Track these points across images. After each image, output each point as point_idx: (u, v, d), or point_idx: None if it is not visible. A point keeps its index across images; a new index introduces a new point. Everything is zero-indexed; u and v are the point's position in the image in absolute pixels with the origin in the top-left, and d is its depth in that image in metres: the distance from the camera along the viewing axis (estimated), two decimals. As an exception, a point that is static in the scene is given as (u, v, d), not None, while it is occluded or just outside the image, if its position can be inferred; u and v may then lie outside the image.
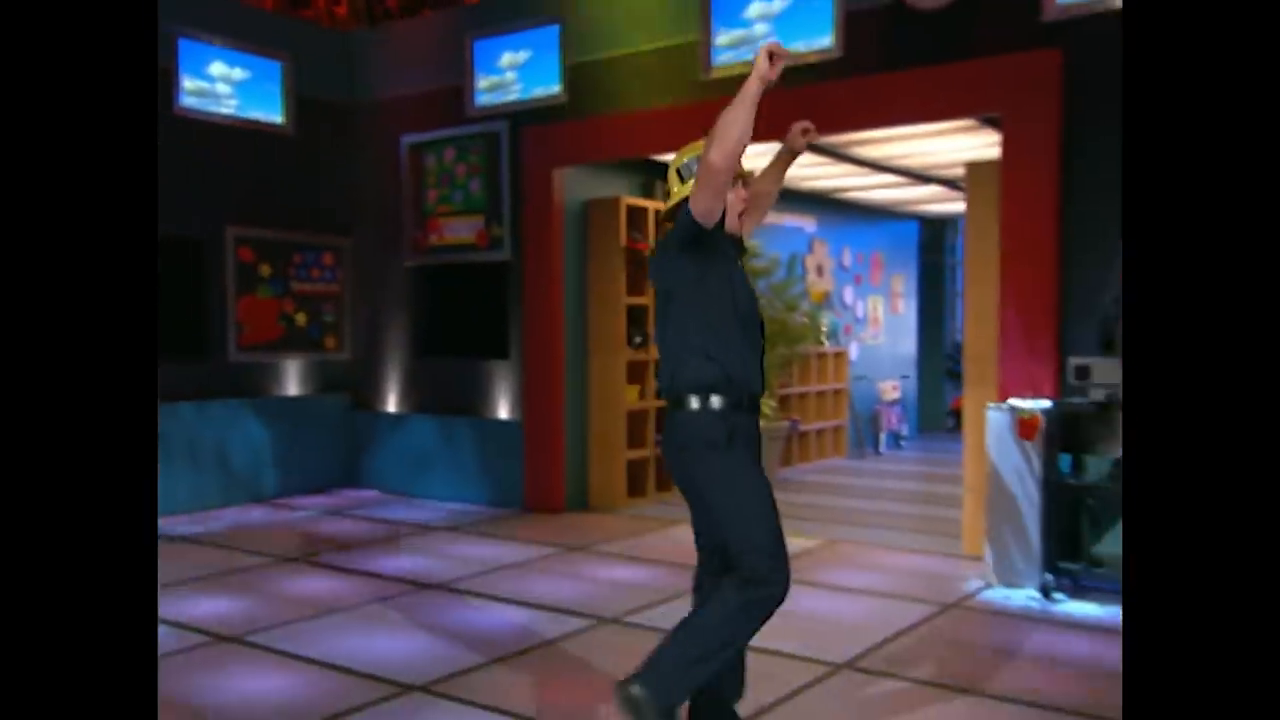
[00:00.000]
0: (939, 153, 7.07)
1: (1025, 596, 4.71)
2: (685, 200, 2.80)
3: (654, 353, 7.39)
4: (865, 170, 7.91)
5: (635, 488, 7.23)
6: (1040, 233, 5.04)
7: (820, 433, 9.48)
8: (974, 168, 5.57)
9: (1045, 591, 4.67)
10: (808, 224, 9.59)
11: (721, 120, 2.59)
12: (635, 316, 7.18)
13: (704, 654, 2.69)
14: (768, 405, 8.07)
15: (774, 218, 9.08)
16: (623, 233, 6.96)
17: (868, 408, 10.24)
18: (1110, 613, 4.47)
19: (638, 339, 7.14)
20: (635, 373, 7.23)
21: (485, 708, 3.38)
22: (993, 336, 5.29)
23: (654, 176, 7.63)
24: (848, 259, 10.24)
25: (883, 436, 10.16)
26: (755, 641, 2.88)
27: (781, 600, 2.72)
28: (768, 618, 2.72)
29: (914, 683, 3.63)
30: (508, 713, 3.34)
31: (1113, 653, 3.92)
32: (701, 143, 2.76)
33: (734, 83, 5.92)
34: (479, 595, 4.79)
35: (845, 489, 8.05)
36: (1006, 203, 5.10)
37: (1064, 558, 4.78)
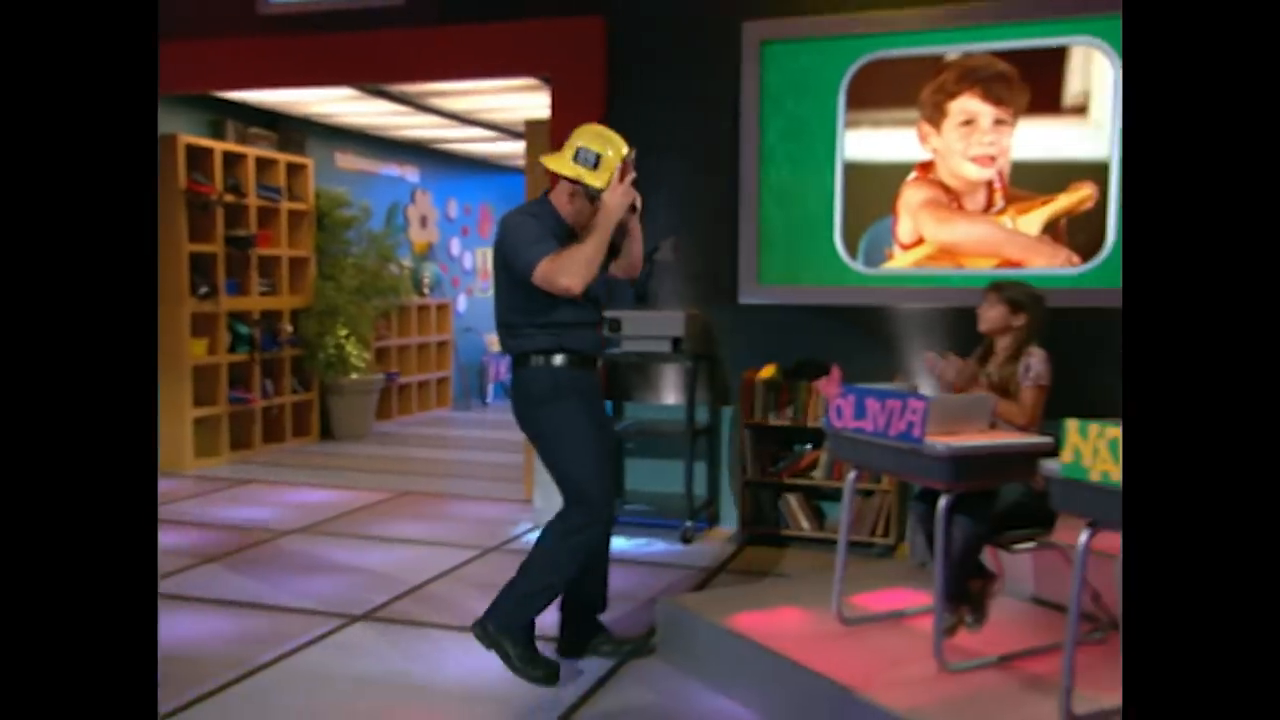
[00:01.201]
0: (519, 109, 7.22)
1: (566, 535, 5.02)
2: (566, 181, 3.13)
3: (227, 305, 6.95)
4: (455, 123, 7.90)
5: (205, 448, 6.81)
6: (588, 192, 5.32)
7: (423, 385, 9.46)
8: (532, 125, 5.75)
9: (583, 529, 5.00)
10: (409, 173, 9.45)
11: (578, 254, 3.00)
12: (200, 265, 6.70)
13: (532, 589, 3.16)
14: (360, 358, 7.91)
15: (371, 165, 8.85)
16: (182, 174, 6.44)
17: (475, 359, 10.38)
18: (636, 544, 4.88)
19: (204, 289, 6.68)
20: (202, 325, 6.76)
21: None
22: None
23: (222, 115, 7.12)
24: (454, 210, 10.24)
25: (490, 388, 10.36)
26: (276, 599, 3.32)
27: (600, 539, 3.25)
28: (587, 555, 3.19)
29: (428, 626, 3.74)
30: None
31: (632, 580, 4.27)
32: (595, 128, 3.18)
33: (294, 20, 5.70)
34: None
35: (438, 440, 8.11)
36: (556, 161, 5.31)
37: (602, 497, 5.14)
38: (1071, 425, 2.44)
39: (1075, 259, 4.66)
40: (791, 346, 5.01)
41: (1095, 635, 3.14)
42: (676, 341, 4.97)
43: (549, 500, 5.20)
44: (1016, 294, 3.27)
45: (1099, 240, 4.61)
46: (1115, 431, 2.35)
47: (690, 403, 4.99)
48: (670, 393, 5.31)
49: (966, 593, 3.13)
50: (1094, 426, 2.39)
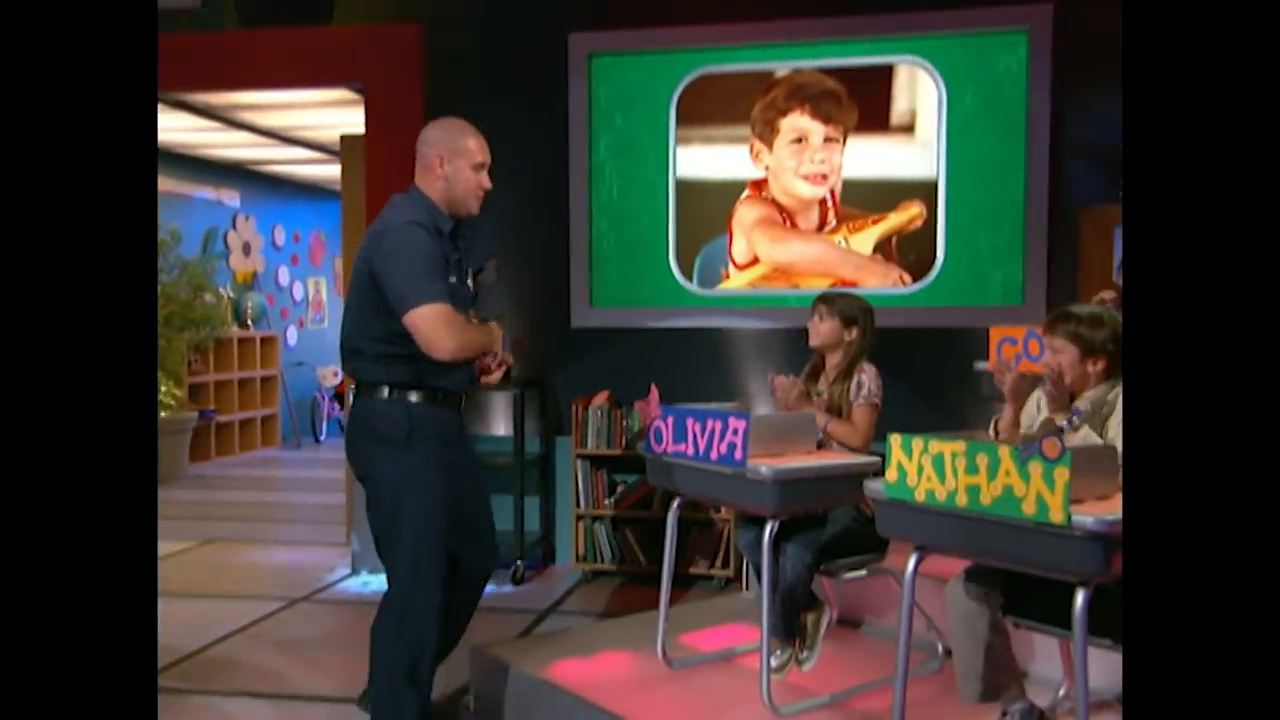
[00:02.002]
0: (341, 126, 6.81)
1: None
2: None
3: None
4: (274, 141, 7.42)
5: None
6: (409, 210, 4.98)
7: (246, 423, 8.80)
8: (348, 141, 5.38)
9: (403, 573, 4.60)
10: (228, 197, 8.84)
11: (472, 333, 2.57)
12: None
13: (398, 673, 2.61)
14: (170, 395, 7.27)
15: (182, 188, 8.22)
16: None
17: (307, 395, 9.76)
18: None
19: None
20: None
21: None
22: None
23: None
24: (281, 237, 9.64)
25: (324, 425, 9.75)
26: None
27: (433, 624, 2.64)
28: (427, 641, 2.63)
29: (212, 694, 3.29)
30: None
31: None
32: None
33: None
34: None
35: (259, 482, 7.52)
36: (373, 177, 4.95)
37: (425, 537, 4.74)
38: (895, 440, 2.26)
39: (906, 278, 4.60)
40: (626, 371, 4.77)
41: (930, 666, 2.98)
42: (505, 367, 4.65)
43: (369, 543, 4.79)
44: (848, 307, 3.12)
45: (929, 259, 4.57)
46: (940, 447, 2.18)
47: (519, 433, 4.68)
48: (499, 422, 4.98)
49: (797, 627, 2.92)
50: (917, 442, 2.22)
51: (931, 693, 2.80)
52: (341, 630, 3.96)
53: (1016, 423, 2.57)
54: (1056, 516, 2.01)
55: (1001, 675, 2.39)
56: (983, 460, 2.11)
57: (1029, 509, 2.05)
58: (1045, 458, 2.03)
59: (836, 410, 3.05)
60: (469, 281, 2.83)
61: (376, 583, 4.57)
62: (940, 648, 2.99)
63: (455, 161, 2.63)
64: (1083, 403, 2.40)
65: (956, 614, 2.42)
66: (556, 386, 4.92)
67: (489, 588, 4.58)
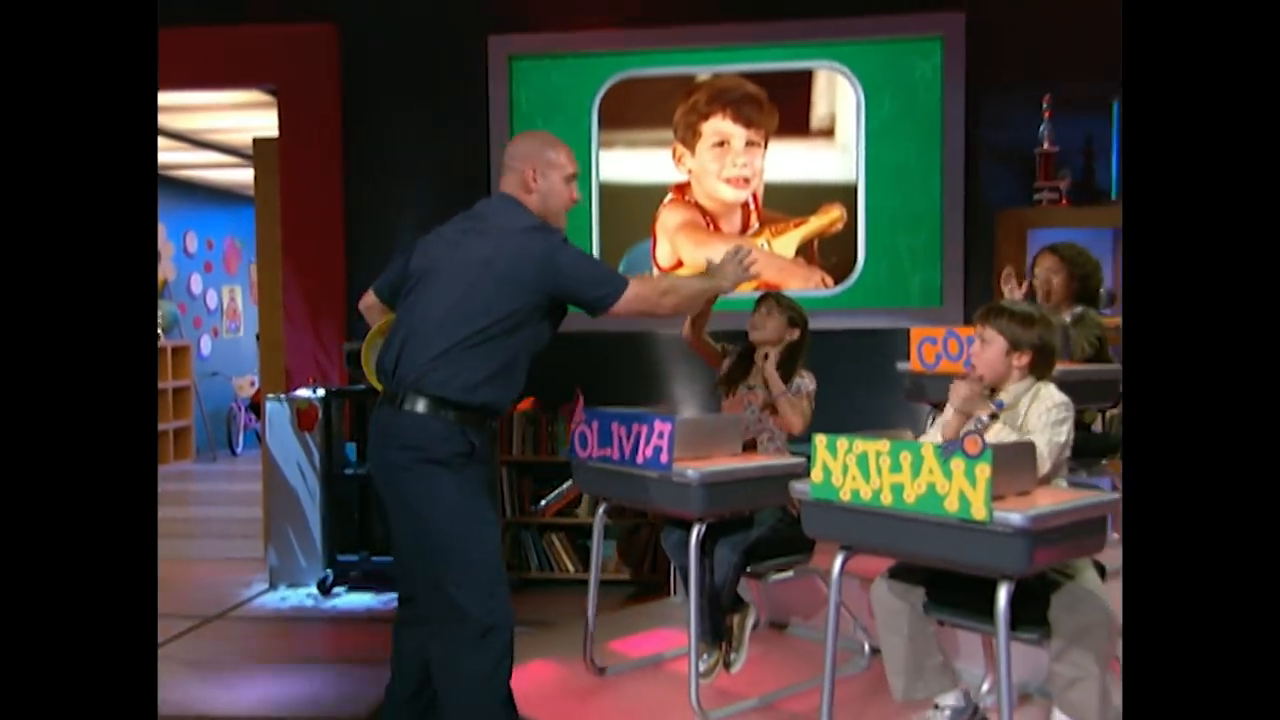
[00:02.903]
0: (254, 129, 6.63)
1: (304, 595, 4.48)
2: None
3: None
4: (184, 145, 7.18)
5: None
6: (326, 213, 4.85)
7: (158, 435, 8.51)
8: (260, 144, 5.22)
9: (323, 588, 4.47)
10: (137, 203, 8.54)
11: (690, 288, 2.65)
12: None
13: (496, 697, 2.34)
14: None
15: (87, 193, 7.91)
16: None
17: (222, 406, 9.47)
18: (388, 599, 4.41)
19: None
20: None
21: None
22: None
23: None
24: (193, 244, 9.35)
25: (241, 436, 9.47)
26: None
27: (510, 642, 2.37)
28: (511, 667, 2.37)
29: None
30: None
31: (379, 640, 3.80)
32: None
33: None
34: None
35: (170, 497, 7.25)
36: (287, 181, 4.83)
37: (345, 550, 4.61)
38: (820, 441, 2.27)
39: (828, 280, 4.65)
40: (551, 377, 4.70)
41: (857, 664, 3.00)
42: (426, 375, 4.57)
43: (287, 557, 4.66)
44: (794, 309, 3.16)
45: (850, 262, 4.62)
46: (864, 446, 2.20)
47: (442, 441, 4.59)
48: (422, 431, 4.88)
49: (724, 629, 2.91)
50: (842, 442, 2.23)
51: (859, 691, 2.82)
52: (258, 648, 3.83)
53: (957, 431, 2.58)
54: (979, 513, 2.03)
55: (930, 670, 2.42)
56: (906, 459, 2.13)
57: (952, 506, 2.07)
58: (967, 455, 2.05)
59: (771, 406, 3.07)
60: None
61: (295, 598, 4.44)
62: (867, 646, 3.02)
63: (549, 175, 2.53)
64: (1005, 395, 2.44)
65: (882, 612, 2.43)
66: (480, 393, 4.85)
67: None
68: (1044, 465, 2.28)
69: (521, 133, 2.65)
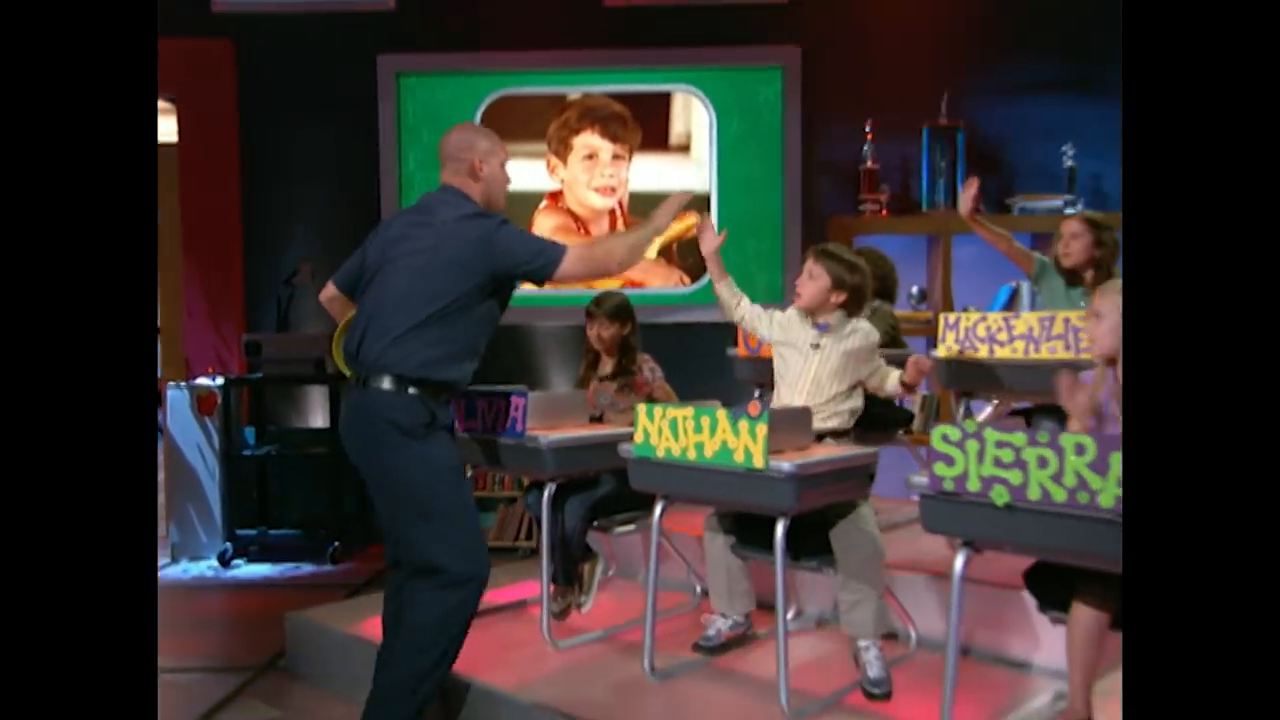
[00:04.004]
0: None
1: (205, 566, 4.84)
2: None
3: None
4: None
5: None
6: (224, 215, 5.21)
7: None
8: (160, 150, 5.52)
9: (222, 560, 4.84)
10: None
11: (629, 239, 2.81)
12: None
13: (411, 673, 2.61)
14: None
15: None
16: None
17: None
18: (284, 568, 4.80)
19: None
20: None
21: None
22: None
23: None
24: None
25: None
26: None
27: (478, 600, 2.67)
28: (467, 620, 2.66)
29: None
30: None
31: (275, 603, 4.19)
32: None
33: None
34: None
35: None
36: (186, 184, 5.16)
37: (244, 525, 4.99)
38: (641, 409, 2.80)
39: (686, 279, 5.21)
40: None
41: (690, 605, 3.55)
42: (319, 363, 4.98)
43: (188, 533, 4.99)
44: (617, 308, 3.64)
45: (704, 263, 5.19)
46: (674, 413, 2.73)
47: (334, 422, 5.01)
48: (316, 415, 5.29)
49: (576, 576, 3.43)
50: (658, 410, 2.76)
51: (687, 625, 3.37)
52: (161, 617, 4.18)
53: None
54: (758, 463, 2.57)
55: (738, 594, 2.99)
56: (705, 422, 2.66)
57: (739, 459, 2.60)
58: (750, 417, 2.61)
59: (626, 394, 3.59)
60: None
61: (196, 569, 4.80)
62: (698, 589, 3.57)
63: (491, 161, 2.77)
64: (830, 319, 2.96)
65: (708, 549, 3.00)
66: (370, 381, 5.27)
67: (309, 566, 4.92)
68: (878, 360, 2.90)
69: (455, 126, 2.86)
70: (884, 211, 4.98)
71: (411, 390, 2.60)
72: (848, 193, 5.04)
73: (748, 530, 2.94)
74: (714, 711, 2.69)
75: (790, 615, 3.36)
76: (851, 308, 2.98)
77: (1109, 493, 1.92)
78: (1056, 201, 4.87)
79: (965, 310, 4.96)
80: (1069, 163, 4.88)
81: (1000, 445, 2.06)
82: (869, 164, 4.97)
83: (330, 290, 2.93)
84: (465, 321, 2.65)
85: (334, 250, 5.20)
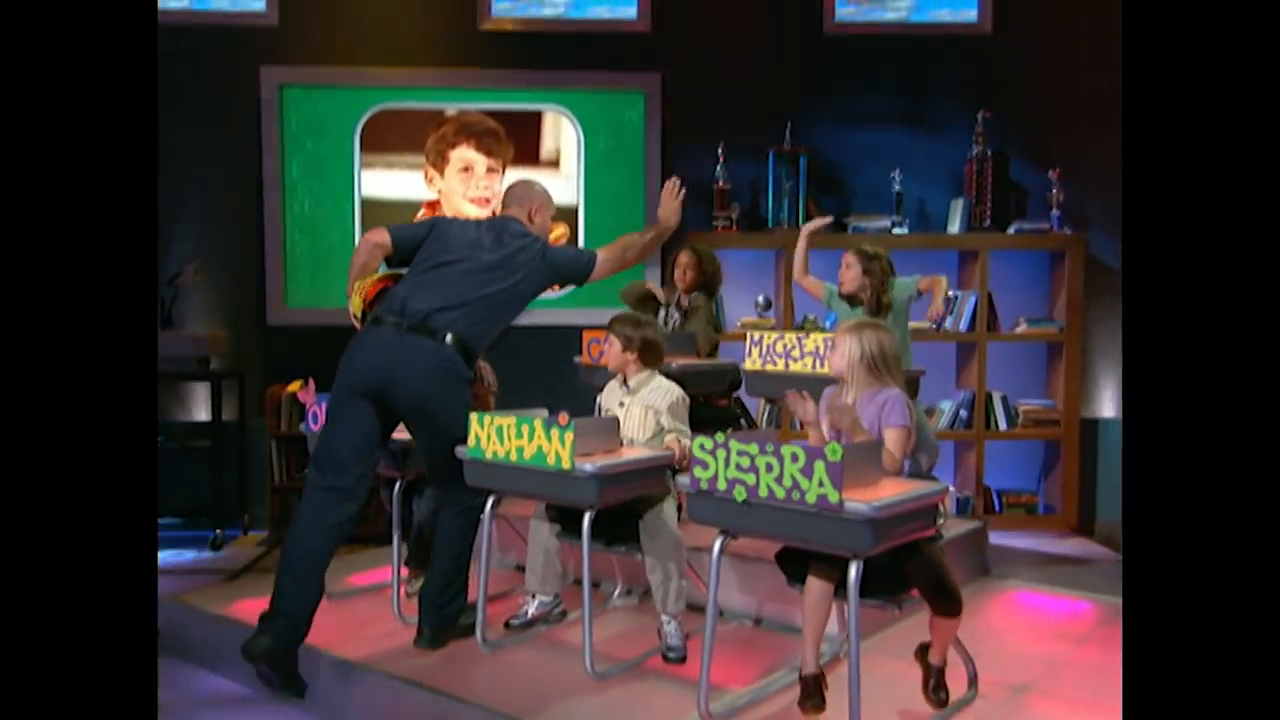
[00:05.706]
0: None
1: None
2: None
3: None
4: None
5: None
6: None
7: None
8: (48, 149, 5.71)
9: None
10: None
11: (644, 240, 3.59)
12: None
13: (451, 569, 3.34)
14: None
15: None
16: None
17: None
18: (168, 555, 5.08)
19: None
20: None
21: None
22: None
23: None
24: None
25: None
26: None
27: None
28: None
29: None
30: None
31: (161, 588, 4.49)
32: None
33: None
34: None
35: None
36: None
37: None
38: (474, 418, 3.19)
39: (555, 286, 5.61)
40: (320, 363, 5.47)
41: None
42: (204, 361, 5.26)
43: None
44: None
45: (572, 270, 5.61)
46: (500, 421, 3.13)
47: (217, 417, 5.30)
48: (200, 409, 5.56)
49: (427, 560, 3.83)
50: (487, 418, 3.15)
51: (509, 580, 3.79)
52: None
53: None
54: (565, 464, 3.00)
55: (551, 576, 3.43)
56: (525, 429, 3.08)
57: (551, 460, 3.02)
58: (560, 426, 3.03)
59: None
60: None
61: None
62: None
63: (544, 214, 3.58)
64: (634, 381, 3.40)
65: (532, 535, 3.43)
66: (256, 376, 5.57)
67: (190, 554, 5.21)
68: (668, 418, 3.30)
69: (523, 180, 3.69)
70: (734, 228, 5.46)
71: (468, 349, 3.29)
72: (703, 208, 5.50)
73: (570, 520, 3.37)
74: (531, 675, 3.13)
75: (618, 592, 3.82)
76: (649, 359, 3.42)
77: (813, 491, 2.41)
78: (885, 221, 5.41)
79: (806, 319, 5.49)
80: (897, 187, 5.42)
81: (740, 454, 2.53)
82: (721, 184, 5.44)
83: (384, 238, 3.39)
84: (506, 307, 3.41)
85: (218, 252, 5.49)
